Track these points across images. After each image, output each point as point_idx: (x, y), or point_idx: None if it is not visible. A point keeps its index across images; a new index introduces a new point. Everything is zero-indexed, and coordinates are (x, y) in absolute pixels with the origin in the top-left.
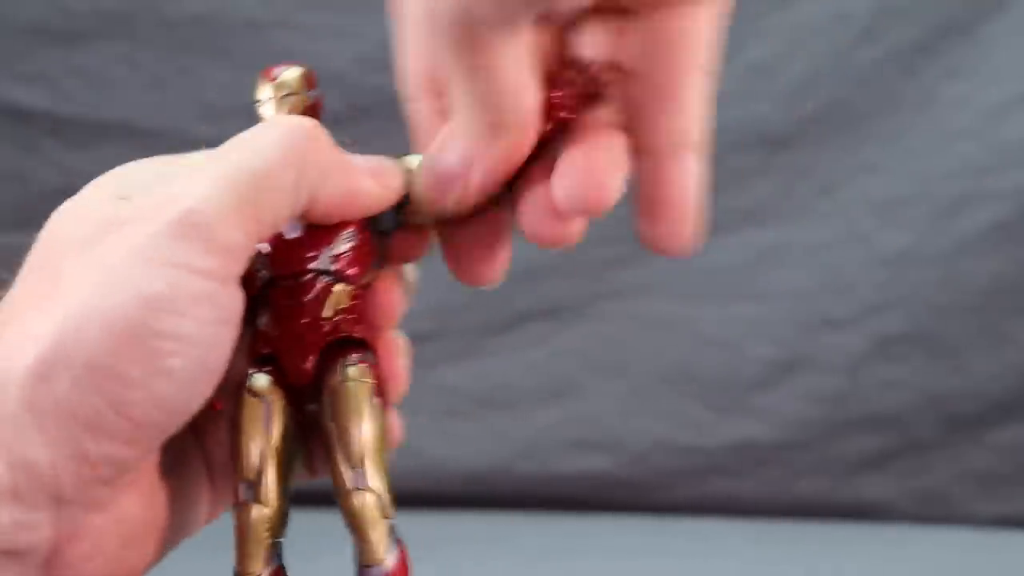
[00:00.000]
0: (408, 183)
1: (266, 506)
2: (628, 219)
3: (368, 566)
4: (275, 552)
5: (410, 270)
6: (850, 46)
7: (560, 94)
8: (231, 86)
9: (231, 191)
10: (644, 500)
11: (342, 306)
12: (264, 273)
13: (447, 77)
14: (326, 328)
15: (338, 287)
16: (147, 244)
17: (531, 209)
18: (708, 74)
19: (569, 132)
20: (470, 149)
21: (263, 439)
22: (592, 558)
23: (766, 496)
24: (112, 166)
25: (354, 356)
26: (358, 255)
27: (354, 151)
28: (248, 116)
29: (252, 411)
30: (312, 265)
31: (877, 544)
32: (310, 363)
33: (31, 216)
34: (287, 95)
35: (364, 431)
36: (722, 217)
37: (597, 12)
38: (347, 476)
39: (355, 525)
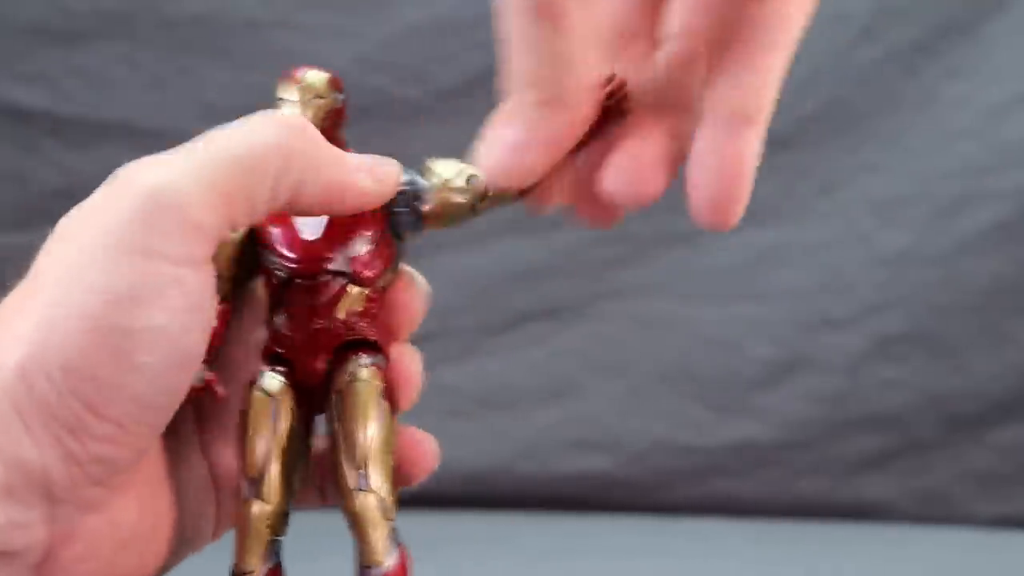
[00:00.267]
0: (473, 180)
1: (268, 503)
2: (628, 219)
3: (368, 567)
4: (274, 550)
5: (423, 286)
6: (850, 46)
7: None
8: (231, 86)
9: (205, 171)
10: (644, 500)
11: (357, 308)
12: (281, 273)
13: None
14: (339, 329)
15: (354, 289)
16: (113, 231)
17: (579, 192)
18: (788, 56)
19: (621, 122)
20: (529, 126)
21: (270, 437)
22: (592, 558)
23: (766, 496)
24: (112, 166)
25: (364, 358)
26: (375, 258)
27: (357, 152)
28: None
29: (261, 409)
30: (329, 266)
31: (877, 544)
32: (322, 363)
33: (31, 216)
34: (314, 98)
35: (369, 432)
36: None
37: None
38: (350, 477)
39: (356, 526)
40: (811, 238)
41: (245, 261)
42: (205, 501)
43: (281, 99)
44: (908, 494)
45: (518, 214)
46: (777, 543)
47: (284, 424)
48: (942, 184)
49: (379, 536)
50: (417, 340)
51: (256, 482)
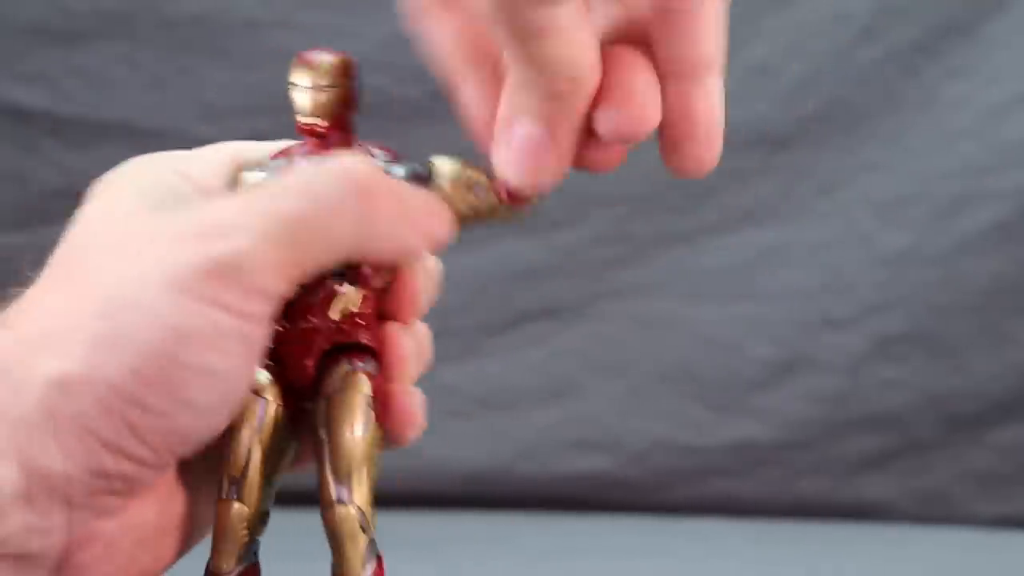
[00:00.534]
0: (479, 202)
1: (247, 505)
2: (628, 219)
3: None
4: (250, 550)
5: (432, 264)
6: (850, 46)
7: None
8: (231, 86)
9: (277, 240)
10: (644, 500)
11: (351, 309)
12: None
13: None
14: (332, 330)
15: (348, 289)
16: (184, 276)
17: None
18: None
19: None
20: (544, 123)
21: (253, 438)
22: (592, 558)
23: (766, 496)
24: (112, 166)
25: (356, 363)
26: None
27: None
28: (248, 116)
29: (247, 408)
30: None
31: (877, 544)
32: (311, 364)
33: (31, 216)
34: (325, 86)
35: (355, 442)
36: (722, 217)
37: None
38: (331, 487)
39: (333, 539)
40: (811, 238)
41: None
42: (214, 485)
43: (293, 84)
44: (908, 494)
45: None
46: (777, 543)
47: (268, 425)
48: (942, 184)
49: (356, 551)
50: None
51: (237, 482)
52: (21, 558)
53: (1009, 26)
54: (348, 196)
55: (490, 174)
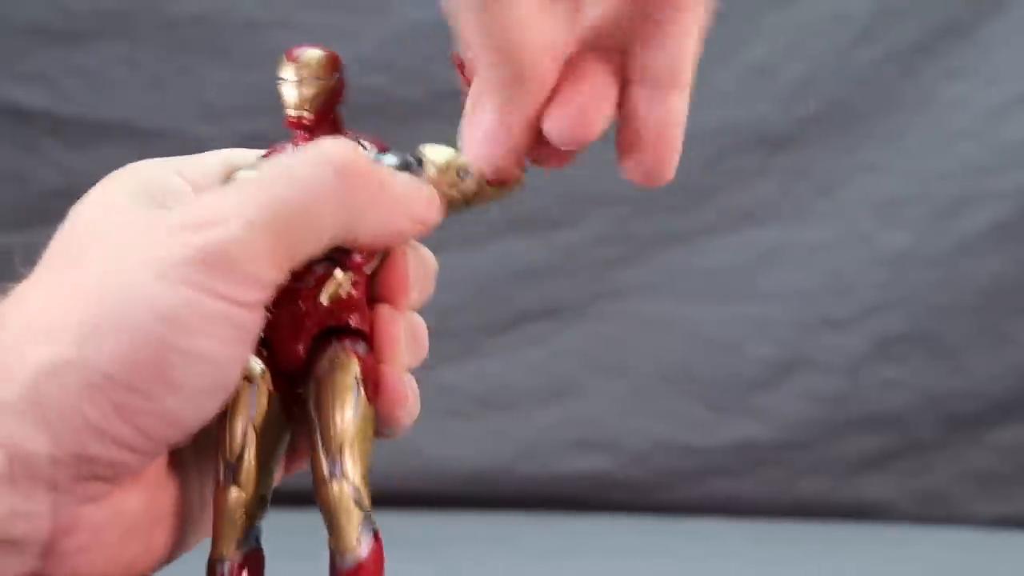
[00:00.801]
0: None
1: (244, 490)
2: (628, 219)
3: (341, 553)
4: (252, 536)
5: (427, 253)
6: (850, 46)
7: None
8: (231, 86)
9: (265, 227)
10: (644, 500)
11: (341, 293)
12: None
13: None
14: (321, 315)
15: (339, 274)
16: (175, 265)
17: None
18: (702, 14)
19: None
20: (499, 111)
21: (247, 423)
22: (592, 558)
23: (766, 496)
24: (112, 166)
25: (346, 344)
26: None
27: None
28: (248, 116)
29: (240, 394)
30: None
31: (877, 544)
32: (302, 348)
33: (31, 216)
34: (309, 78)
35: (345, 421)
36: (722, 217)
37: None
38: (324, 465)
39: (328, 514)
40: (811, 238)
41: None
42: (210, 484)
43: (280, 79)
44: (908, 494)
45: (518, 214)
46: (777, 543)
47: (261, 410)
48: (941, 184)
49: (352, 524)
50: None
51: (233, 467)
52: (6, 543)
53: (1008, 26)
54: (327, 177)
55: None
